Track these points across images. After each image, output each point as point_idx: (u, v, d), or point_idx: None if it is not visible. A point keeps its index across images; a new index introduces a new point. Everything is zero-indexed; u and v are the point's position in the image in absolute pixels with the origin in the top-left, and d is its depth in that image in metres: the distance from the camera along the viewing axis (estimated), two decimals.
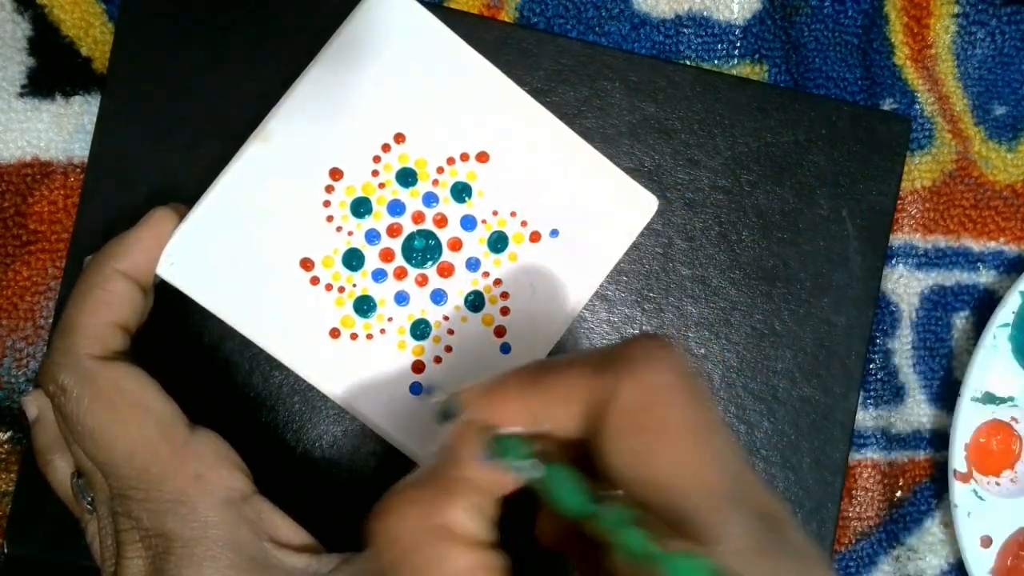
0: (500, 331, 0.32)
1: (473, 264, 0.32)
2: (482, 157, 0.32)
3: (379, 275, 0.32)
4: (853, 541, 0.40)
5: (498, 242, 0.32)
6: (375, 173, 0.32)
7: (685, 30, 0.39)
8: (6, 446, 0.37)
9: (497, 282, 0.32)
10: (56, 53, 0.37)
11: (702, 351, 0.38)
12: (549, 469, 0.22)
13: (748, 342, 0.38)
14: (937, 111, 0.40)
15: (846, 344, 0.38)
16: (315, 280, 0.31)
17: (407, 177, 0.32)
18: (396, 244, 0.32)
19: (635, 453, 0.21)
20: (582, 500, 0.21)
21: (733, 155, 0.38)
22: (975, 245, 0.41)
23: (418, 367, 0.32)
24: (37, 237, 0.37)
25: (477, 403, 0.24)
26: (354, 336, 0.31)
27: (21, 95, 0.37)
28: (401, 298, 0.32)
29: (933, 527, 0.41)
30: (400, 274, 0.32)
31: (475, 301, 0.32)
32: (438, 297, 0.32)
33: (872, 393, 0.40)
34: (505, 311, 0.32)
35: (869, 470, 0.40)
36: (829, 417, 0.38)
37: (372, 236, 0.32)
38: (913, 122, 0.40)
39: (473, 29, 0.37)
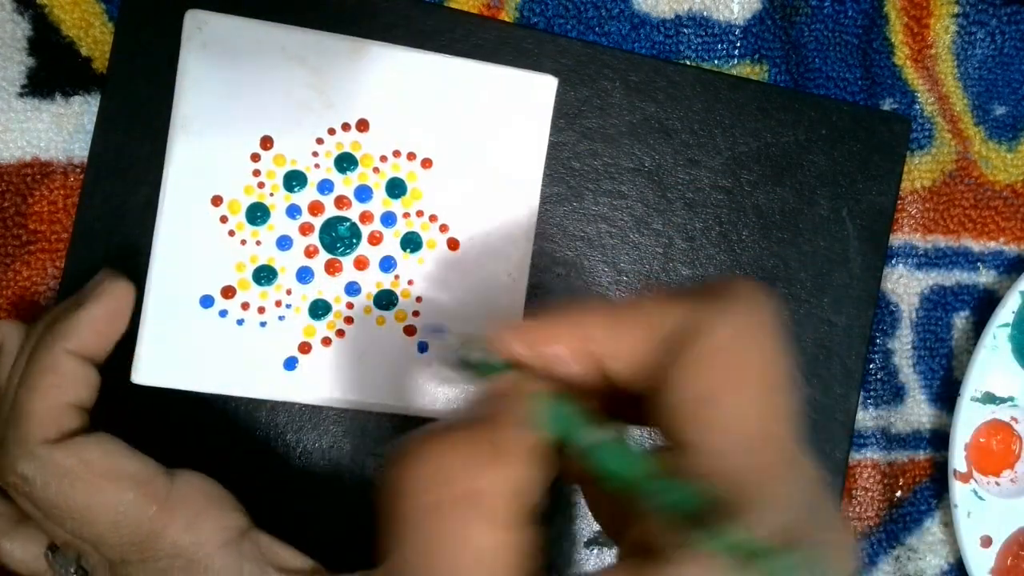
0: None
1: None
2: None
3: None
4: None
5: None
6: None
7: (685, 30, 0.39)
8: None
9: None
10: (56, 53, 0.37)
11: None
12: (606, 442, 0.20)
13: None
14: (937, 111, 0.40)
15: (846, 344, 0.38)
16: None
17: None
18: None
19: (705, 393, 0.20)
20: (638, 475, 0.19)
21: (733, 155, 0.38)
22: (975, 245, 0.41)
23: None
24: (37, 237, 0.37)
25: (525, 334, 0.21)
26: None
27: (21, 95, 0.37)
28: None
29: (933, 527, 0.41)
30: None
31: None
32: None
33: (872, 393, 0.40)
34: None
35: (869, 470, 0.40)
36: (829, 417, 0.38)
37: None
38: (913, 122, 0.40)
39: (473, 29, 0.37)
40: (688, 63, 0.39)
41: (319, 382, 0.32)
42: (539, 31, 0.38)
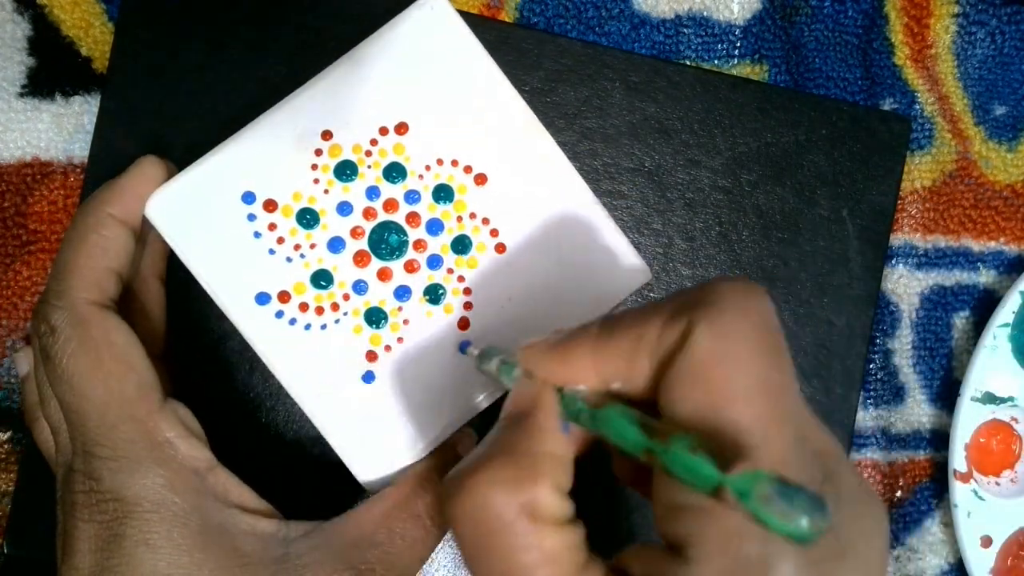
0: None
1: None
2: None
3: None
4: None
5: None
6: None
7: (685, 30, 0.39)
8: (6, 446, 0.37)
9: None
10: (56, 53, 0.37)
11: None
12: (607, 413, 0.21)
13: None
14: (937, 111, 0.40)
15: (846, 344, 0.38)
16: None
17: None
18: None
19: (699, 407, 0.20)
20: (638, 435, 0.20)
21: (733, 155, 0.38)
22: (975, 245, 0.41)
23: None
24: (37, 237, 0.37)
25: (544, 363, 0.23)
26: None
27: (21, 95, 0.37)
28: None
29: (933, 527, 0.41)
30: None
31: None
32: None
33: (872, 393, 0.40)
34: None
35: (869, 470, 0.40)
36: (829, 417, 0.38)
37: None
38: (913, 122, 0.40)
39: (473, 29, 0.37)
40: (688, 63, 0.39)
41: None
42: (539, 31, 0.38)
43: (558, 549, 0.20)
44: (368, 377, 0.31)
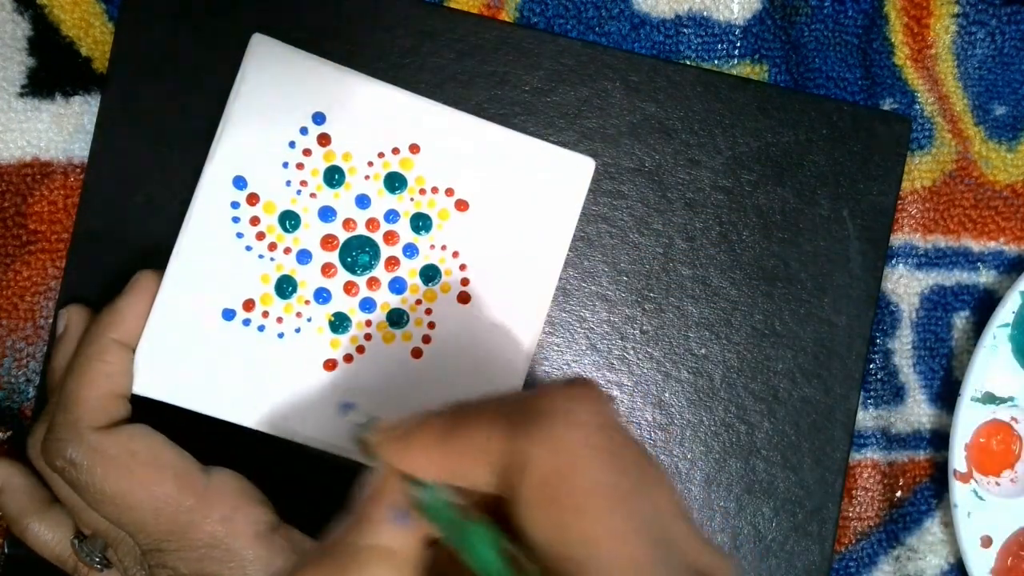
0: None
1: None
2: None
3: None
4: (853, 541, 0.40)
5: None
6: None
7: (685, 30, 0.39)
8: (6, 446, 0.37)
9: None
10: (56, 53, 0.37)
11: (702, 351, 0.38)
12: (469, 528, 0.20)
13: (749, 342, 0.38)
14: (937, 111, 0.40)
15: (846, 344, 0.38)
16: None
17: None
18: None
19: (549, 526, 0.19)
20: (500, 566, 0.19)
21: (733, 155, 0.38)
22: (975, 245, 0.41)
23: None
24: (37, 237, 0.37)
25: (392, 449, 0.22)
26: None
27: (21, 95, 0.37)
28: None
29: (933, 527, 0.41)
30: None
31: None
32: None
33: (872, 393, 0.40)
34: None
35: (869, 470, 0.40)
36: (829, 417, 0.38)
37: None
38: (913, 122, 0.40)
39: (473, 29, 0.37)
40: (688, 63, 0.39)
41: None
42: (539, 31, 0.38)
43: None
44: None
